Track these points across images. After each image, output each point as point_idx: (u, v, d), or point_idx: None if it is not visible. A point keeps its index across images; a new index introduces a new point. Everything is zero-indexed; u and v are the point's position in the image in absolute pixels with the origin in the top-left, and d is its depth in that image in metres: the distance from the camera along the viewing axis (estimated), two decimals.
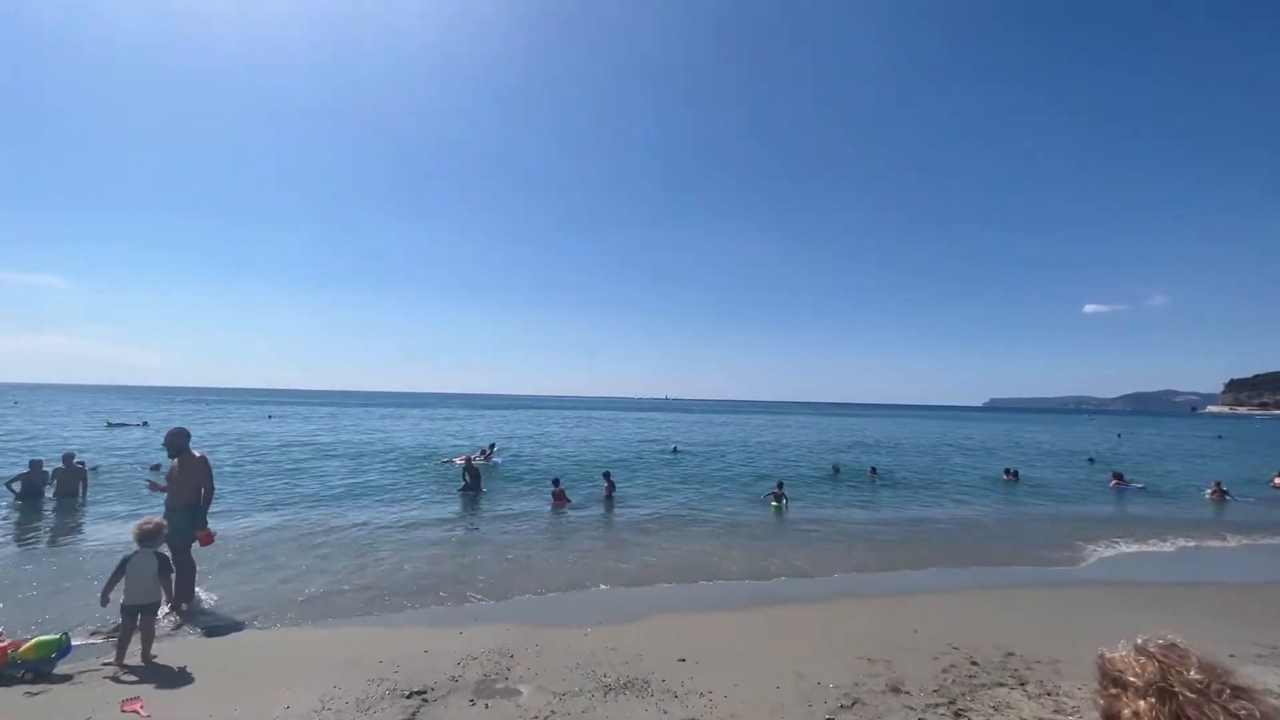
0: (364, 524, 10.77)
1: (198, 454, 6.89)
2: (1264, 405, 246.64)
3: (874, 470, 19.93)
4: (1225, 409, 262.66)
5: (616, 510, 13.06)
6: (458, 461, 18.70)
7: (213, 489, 6.95)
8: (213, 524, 6.92)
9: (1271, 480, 19.83)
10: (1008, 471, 19.96)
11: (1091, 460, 27.50)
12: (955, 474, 21.49)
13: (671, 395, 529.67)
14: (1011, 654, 5.32)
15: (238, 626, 5.99)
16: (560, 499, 13.42)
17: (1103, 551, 10.23)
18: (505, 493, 14.96)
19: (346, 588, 7.29)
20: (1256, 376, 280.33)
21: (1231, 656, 5.08)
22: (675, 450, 26.03)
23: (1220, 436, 53.01)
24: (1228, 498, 16.26)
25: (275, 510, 11.86)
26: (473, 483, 14.54)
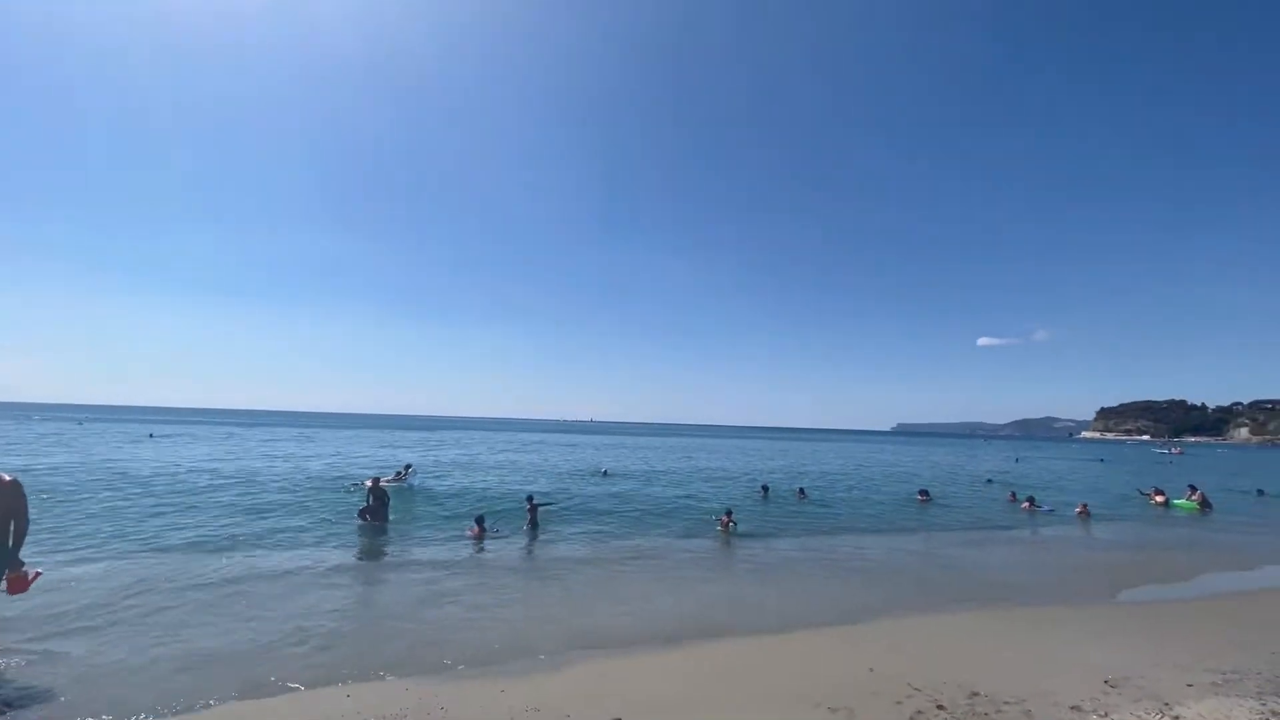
0: (235, 574, 8.65)
1: (7, 478, 5.42)
2: (1128, 431, 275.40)
3: (802, 491, 19.99)
4: (1097, 434, 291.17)
5: (542, 538, 12.04)
6: (366, 484, 16.97)
7: (26, 522, 5.49)
8: (30, 568, 5.44)
9: (1148, 497, 21.47)
10: (922, 493, 20.47)
11: (990, 481, 29.06)
12: (876, 494, 21.88)
13: (597, 417, 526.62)
14: (976, 693, 4.88)
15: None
16: (479, 530, 12.32)
17: (1041, 576, 10.30)
18: (418, 520, 13.55)
19: (198, 657, 5.59)
20: (1122, 405, 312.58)
21: (1189, 686, 4.88)
22: (605, 473, 25.15)
23: (1103, 460, 58.15)
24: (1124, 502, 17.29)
25: (118, 556, 9.44)
26: (377, 507, 13.03)
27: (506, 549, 11.00)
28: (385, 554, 10.48)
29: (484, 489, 19.29)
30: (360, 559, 10.07)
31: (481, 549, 10.93)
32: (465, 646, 5.99)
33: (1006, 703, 4.68)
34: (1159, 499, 20.83)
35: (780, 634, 6.53)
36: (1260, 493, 25.66)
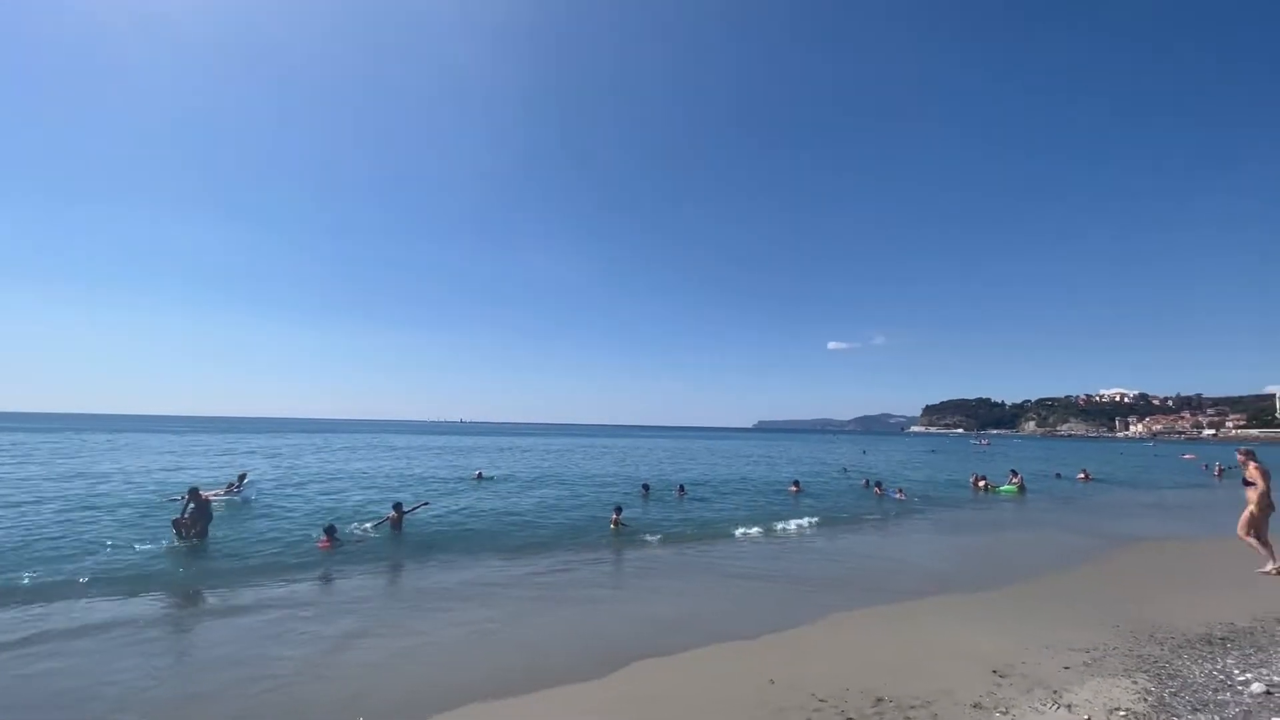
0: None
1: None
2: (947, 425, 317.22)
3: (682, 488, 20.02)
4: (923, 428, 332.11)
5: (410, 553, 10.63)
6: (184, 497, 14.21)
7: None
8: None
9: (970, 481, 24.49)
10: (794, 484, 21.51)
11: (845, 471, 31.60)
12: (751, 488, 22.64)
13: (468, 418, 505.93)
14: (881, 699, 4.65)
15: None
16: (328, 541, 10.72)
17: (910, 563, 10.83)
18: (244, 538, 11.41)
19: None
20: (942, 403, 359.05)
21: (1066, 669, 5.04)
22: (480, 476, 23.51)
23: (934, 451, 66.05)
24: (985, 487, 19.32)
25: None
26: (194, 524, 10.81)
27: (362, 568, 9.50)
28: (208, 585, 8.55)
29: (340, 500, 17.06)
30: (173, 596, 8.09)
31: (327, 575, 9.28)
32: (303, 699, 4.76)
33: (912, 707, 4.49)
34: (981, 484, 23.73)
35: (678, 653, 5.98)
36: (1058, 476, 30.20)
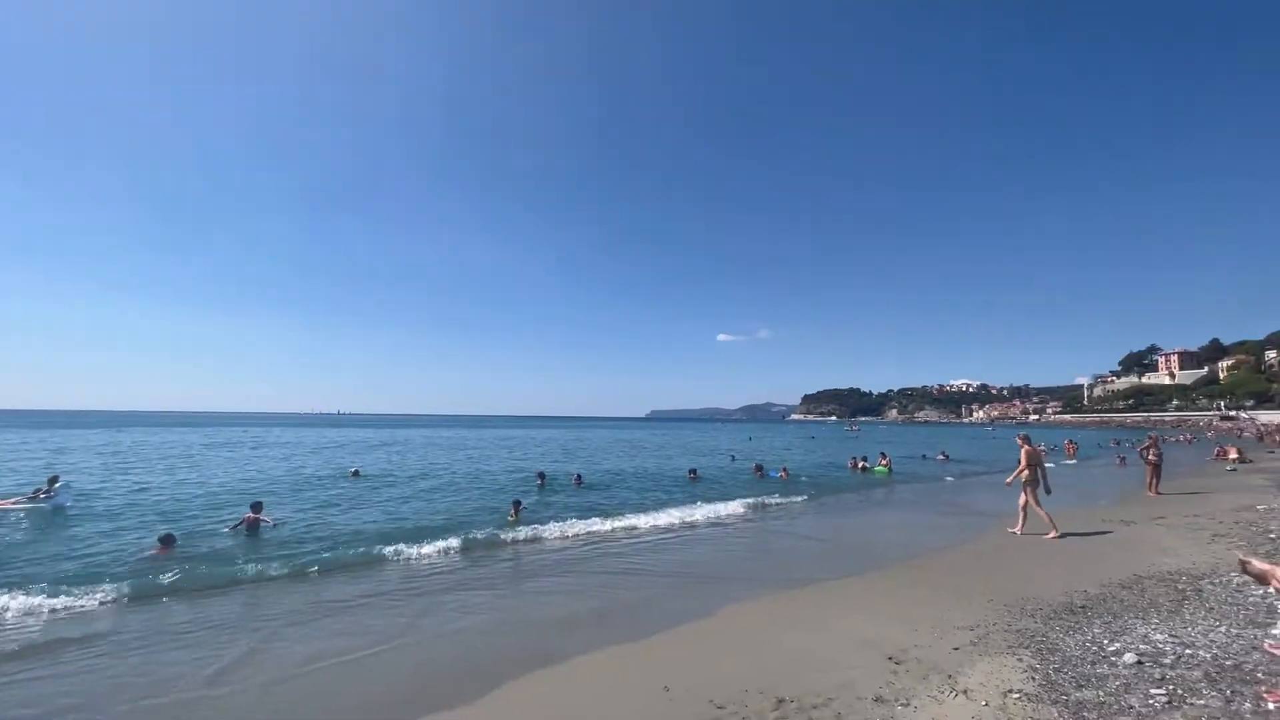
0: None
1: None
2: (823, 413, 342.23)
3: (579, 477, 19.45)
4: (801, 416, 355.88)
5: (262, 557, 9.11)
6: None
7: None
8: None
9: (848, 463, 26.19)
10: (691, 471, 21.70)
11: (733, 458, 32.63)
12: (648, 475, 22.59)
13: (347, 410, 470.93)
14: (782, 700, 4.33)
15: None
16: (164, 550, 9.14)
17: (794, 548, 10.95)
18: (51, 553, 9.28)
19: None
20: (819, 392, 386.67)
21: (955, 650, 5.04)
22: (356, 473, 21.32)
23: (813, 437, 70.53)
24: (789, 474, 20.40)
25: None
26: None
27: (204, 580, 7.95)
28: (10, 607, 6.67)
29: (185, 502, 14.69)
30: None
31: (153, 591, 7.66)
32: None
33: (815, 706, 4.20)
34: (862, 464, 25.43)
35: (568, 659, 5.38)
36: (924, 457, 33.07)
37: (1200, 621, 5.14)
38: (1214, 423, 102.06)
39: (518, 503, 13.39)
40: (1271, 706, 2.82)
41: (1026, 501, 11.09)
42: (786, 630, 5.99)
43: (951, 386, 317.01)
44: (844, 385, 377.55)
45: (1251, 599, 5.86)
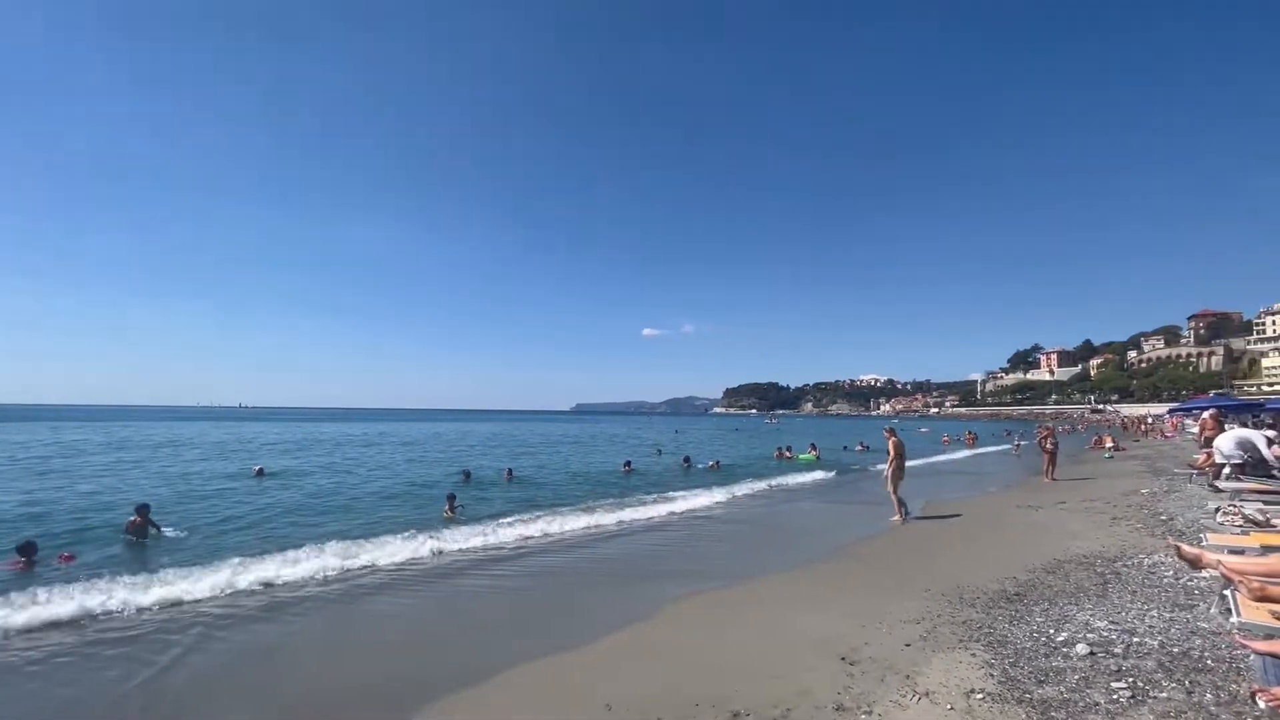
0: None
1: None
2: (743, 407, 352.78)
3: (510, 472, 18.63)
4: (724, 409, 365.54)
5: (146, 567, 7.81)
6: None
7: None
8: None
9: (774, 454, 26.90)
10: (626, 464, 21.39)
11: (659, 451, 32.71)
12: (579, 468, 22.10)
13: (249, 403, 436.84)
14: (737, 713, 3.97)
15: None
16: (23, 563, 7.71)
17: (730, 542, 10.75)
18: None
19: None
20: (740, 386, 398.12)
21: (907, 647, 4.88)
22: (260, 472, 19.32)
23: (737, 429, 72.33)
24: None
25: None
26: None
27: (73, 596, 6.62)
28: None
29: (52, 505, 12.73)
30: None
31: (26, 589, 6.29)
32: None
33: (774, 718, 3.88)
34: (787, 454, 26.17)
35: (497, 674, 4.78)
36: (844, 449, 34.13)
37: (1131, 606, 5.25)
38: (1085, 415, 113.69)
39: (452, 497, 12.59)
40: (1263, 705, 2.72)
41: (894, 484, 11.79)
42: (732, 630, 5.67)
43: (861, 381, 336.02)
44: (764, 379, 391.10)
45: (1165, 579, 6.13)
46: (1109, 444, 31.29)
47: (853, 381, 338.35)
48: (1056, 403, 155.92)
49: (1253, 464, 11.63)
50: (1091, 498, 13.37)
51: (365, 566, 8.43)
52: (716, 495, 15.71)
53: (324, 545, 9.19)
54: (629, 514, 12.81)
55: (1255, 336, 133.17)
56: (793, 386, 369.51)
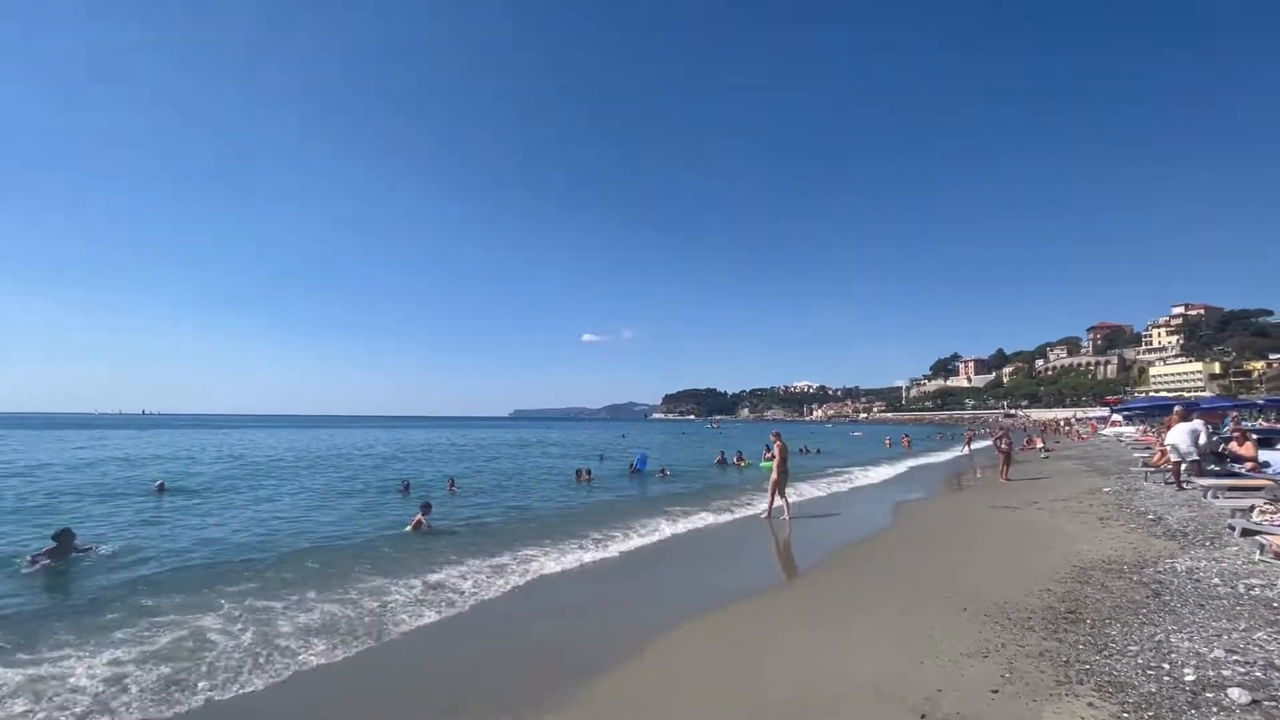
0: None
1: None
2: (683, 412, 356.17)
3: (453, 482, 16.90)
4: (663, 415, 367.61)
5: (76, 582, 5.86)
6: None
7: None
8: None
9: (716, 460, 26.30)
10: (586, 472, 19.97)
11: (602, 458, 31.41)
12: (530, 476, 20.60)
13: (153, 409, 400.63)
14: None
15: None
16: None
17: (716, 555, 9.69)
18: None
19: None
20: (679, 391, 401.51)
21: (995, 694, 3.92)
22: (162, 487, 16.53)
23: (684, 433, 71.91)
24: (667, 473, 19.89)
25: None
26: None
27: None
28: None
29: None
30: None
31: None
32: None
33: None
34: (739, 462, 25.49)
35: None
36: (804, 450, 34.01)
37: (1217, 624, 4.55)
38: (1000, 419, 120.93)
39: (427, 507, 11.11)
40: None
41: (778, 486, 12.07)
42: (755, 670, 4.57)
43: (795, 388, 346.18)
44: (702, 386, 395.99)
45: (1218, 588, 5.54)
46: (1040, 445, 32.69)
47: (787, 388, 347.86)
48: (974, 408, 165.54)
49: (1204, 456, 11.78)
50: (1059, 497, 13.22)
51: (285, 608, 6.78)
52: (677, 502, 14.66)
53: (235, 583, 7.43)
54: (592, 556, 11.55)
55: (1144, 347, 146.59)
56: (730, 392, 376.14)
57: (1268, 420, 35.34)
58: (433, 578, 7.67)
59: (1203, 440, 11.24)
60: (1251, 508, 7.59)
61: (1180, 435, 11.39)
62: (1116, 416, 51.40)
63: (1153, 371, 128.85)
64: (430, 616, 6.34)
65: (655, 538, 10.60)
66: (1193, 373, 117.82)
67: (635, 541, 10.23)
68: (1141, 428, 39.75)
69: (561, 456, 32.32)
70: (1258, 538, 6.26)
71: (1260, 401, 40.66)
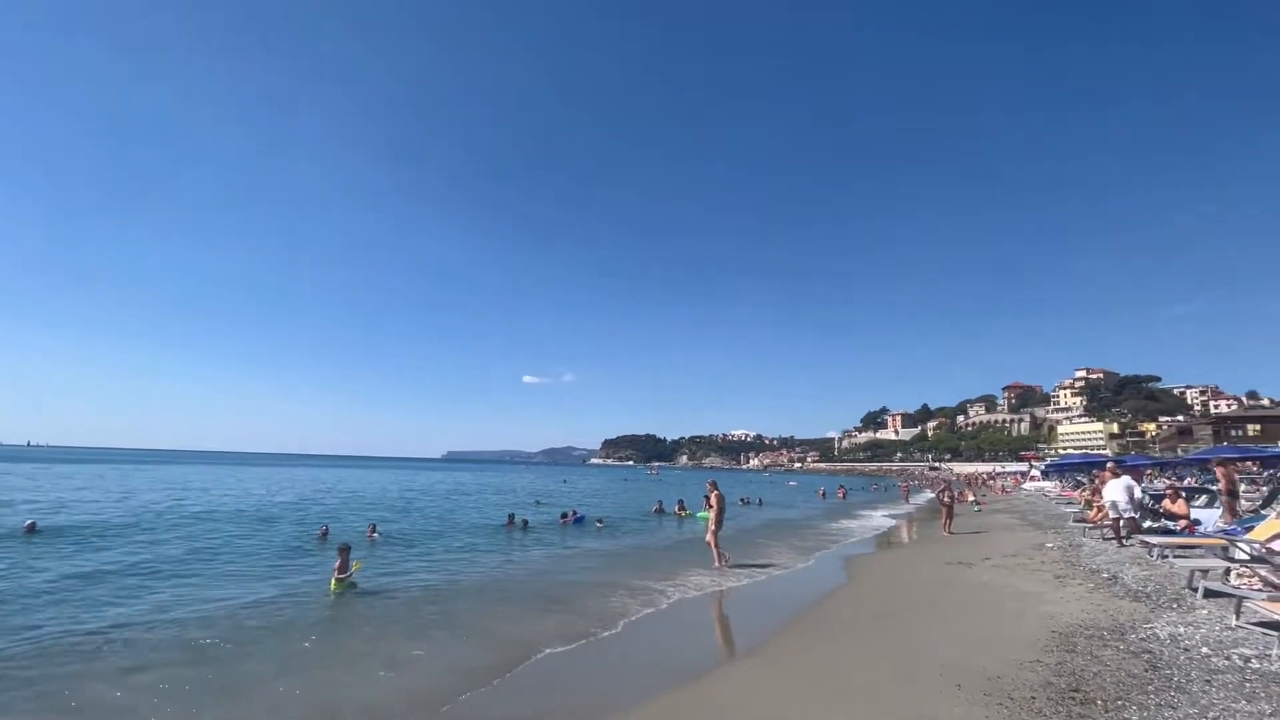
0: None
1: None
2: (621, 458, 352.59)
3: (374, 528, 15.24)
4: (601, 460, 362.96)
5: None
6: None
7: None
8: None
9: (653, 509, 25.60)
10: (523, 521, 18.74)
11: (539, 502, 30.32)
12: (458, 524, 19.01)
13: (39, 441, 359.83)
14: None
15: None
16: None
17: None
18: None
19: None
20: (619, 437, 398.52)
21: None
22: (32, 528, 14.01)
23: (625, 479, 70.59)
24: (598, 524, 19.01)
25: None
26: None
27: None
28: None
29: None
30: None
31: None
32: None
33: None
34: (680, 511, 24.67)
35: None
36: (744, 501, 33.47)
37: (1253, 709, 4.14)
38: (925, 471, 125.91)
39: (346, 548, 9.65)
40: None
41: (713, 535, 12.13)
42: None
43: (733, 436, 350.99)
44: (641, 431, 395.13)
45: (1213, 660, 5.22)
46: (971, 498, 33.66)
47: (725, 435, 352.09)
48: (901, 460, 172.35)
49: (1140, 512, 12.07)
50: (1007, 553, 13.17)
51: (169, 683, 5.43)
52: (620, 554, 13.73)
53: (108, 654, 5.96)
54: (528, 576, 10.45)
55: (1052, 407, 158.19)
56: (670, 439, 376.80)
57: (1194, 479, 37.92)
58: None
59: (1138, 495, 11.50)
60: (1226, 570, 7.53)
61: (1118, 492, 11.61)
62: (1035, 472, 54.35)
63: (1060, 430, 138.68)
64: None
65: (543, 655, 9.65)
66: (1095, 432, 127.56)
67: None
68: (1059, 484, 41.92)
69: (495, 505, 30.61)
70: (1243, 603, 6.07)
71: (1188, 458, 43.62)
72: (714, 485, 12.59)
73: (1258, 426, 75.23)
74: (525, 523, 18.41)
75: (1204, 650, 5.51)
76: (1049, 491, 38.53)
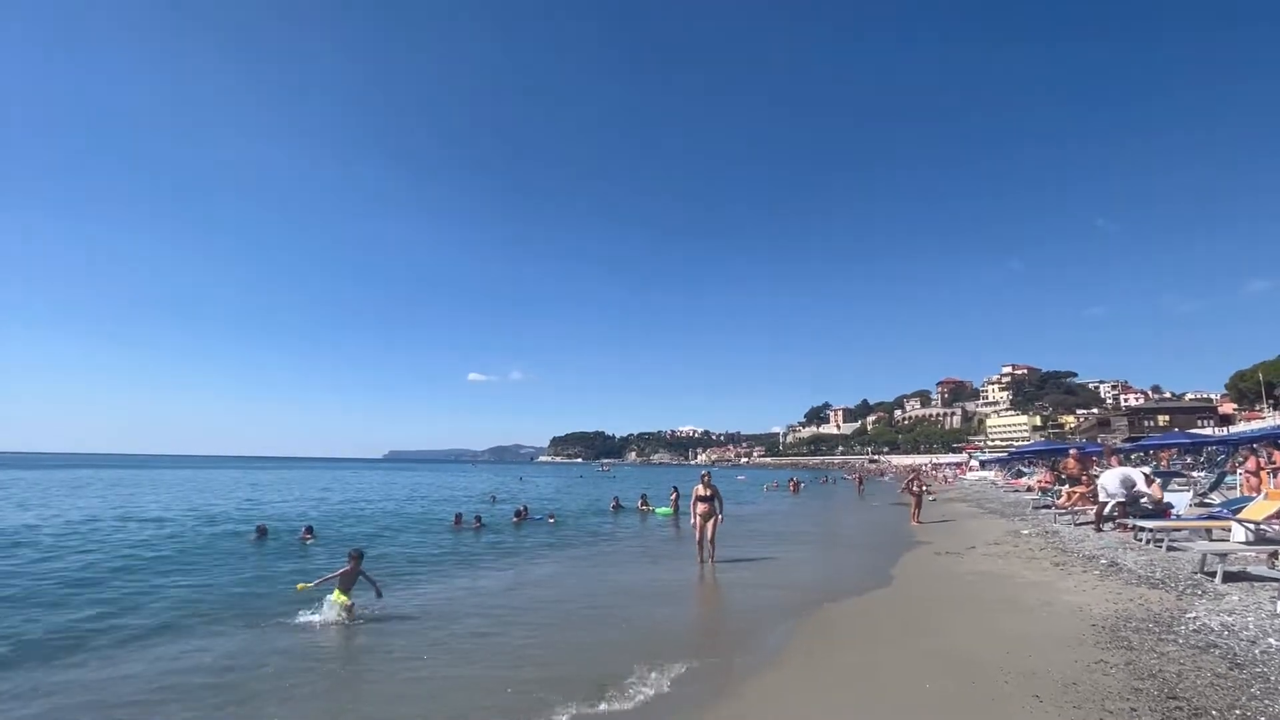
0: None
1: None
2: (570, 455, 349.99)
3: (310, 530, 13.65)
4: (550, 458, 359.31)
5: None
6: None
7: None
8: None
9: (610, 506, 24.89)
10: (476, 518, 17.32)
11: (494, 500, 29.16)
12: (408, 526, 17.48)
13: None
14: None
15: None
16: None
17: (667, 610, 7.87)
18: None
19: None
20: (567, 434, 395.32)
21: None
22: None
23: (581, 476, 69.28)
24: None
25: None
26: None
27: None
28: None
29: None
30: None
31: None
32: None
33: None
34: (644, 507, 23.82)
35: None
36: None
37: None
38: (865, 464, 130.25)
39: (357, 552, 8.18)
40: None
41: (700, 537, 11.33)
42: None
43: (681, 432, 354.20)
44: (590, 428, 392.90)
45: None
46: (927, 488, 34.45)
47: (673, 432, 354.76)
48: (843, 453, 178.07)
49: (1130, 500, 12.08)
50: (987, 540, 12.98)
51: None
52: (590, 552, 12.72)
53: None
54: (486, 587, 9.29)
55: (982, 401, 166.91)
56: (618, 435, 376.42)
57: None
58: None
59: (1140, 487, 11.41)
60: (1274, 554, 7.24)
61: (1112, 479, 11.53)
62: (974, 463, 56.83)
63: (989, 423, 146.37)
64: None
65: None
66: (1020, 424, 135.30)
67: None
68: (1001, 474, 43.63)
69: (441, 500, 28.95)
70: None
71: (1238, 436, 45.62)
72: (675, 490, 11.48)
73: (1167, 417, 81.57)
74: (479, 519, 17.09)
75: (1272, 642, 5.06)
76: (997, 481, 39.93)
